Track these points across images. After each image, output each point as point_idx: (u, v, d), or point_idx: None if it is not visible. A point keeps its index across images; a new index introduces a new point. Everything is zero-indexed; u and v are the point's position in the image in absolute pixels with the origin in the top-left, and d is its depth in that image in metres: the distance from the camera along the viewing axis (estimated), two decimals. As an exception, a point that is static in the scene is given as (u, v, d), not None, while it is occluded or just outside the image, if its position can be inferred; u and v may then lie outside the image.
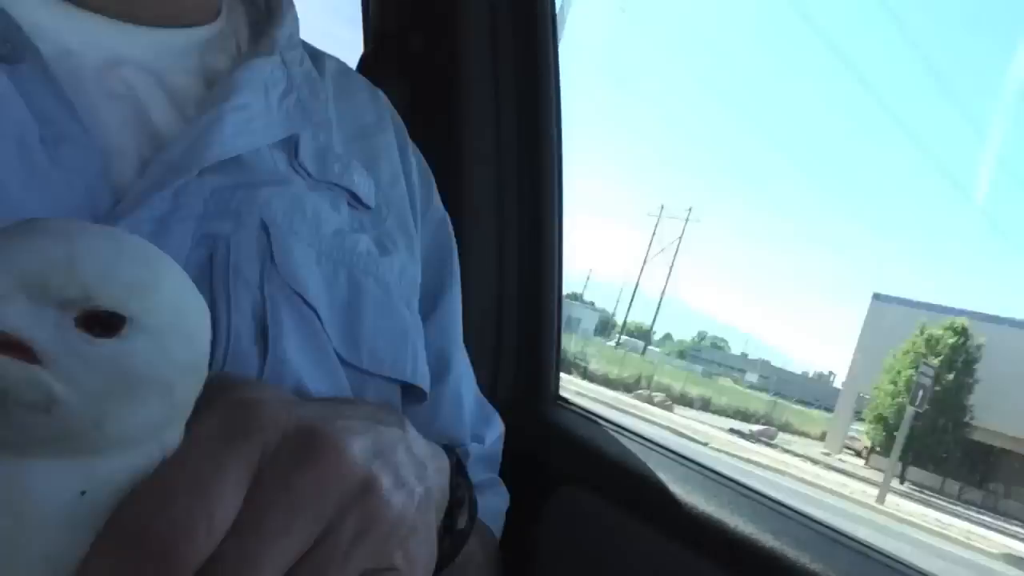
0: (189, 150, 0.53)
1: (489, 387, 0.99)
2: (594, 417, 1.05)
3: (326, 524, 0.35)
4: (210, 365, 0.48)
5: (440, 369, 0.71)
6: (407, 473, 0.41)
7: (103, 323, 0.28)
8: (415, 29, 1.22)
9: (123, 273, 0.29)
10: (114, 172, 0.50)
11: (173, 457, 0.33)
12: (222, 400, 0.36)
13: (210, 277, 0.51)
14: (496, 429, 0.80)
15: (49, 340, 0.27)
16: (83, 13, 0.55)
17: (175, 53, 0.59)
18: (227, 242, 0.53)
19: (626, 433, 0.99)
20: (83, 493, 0.30)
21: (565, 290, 1.21)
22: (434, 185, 0.82)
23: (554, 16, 1.21)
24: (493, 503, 0.74)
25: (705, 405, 36.30)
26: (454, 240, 0.80)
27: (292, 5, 0.70)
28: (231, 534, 0.32)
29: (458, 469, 0.56)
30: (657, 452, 0.92)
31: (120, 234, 0.31)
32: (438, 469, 0.49)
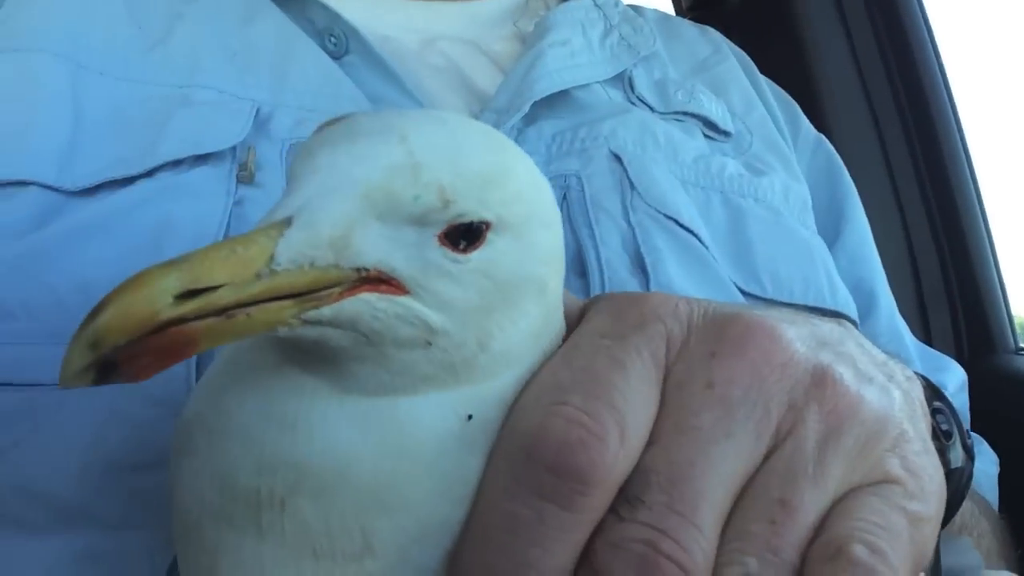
0: (517, 90, 0.50)
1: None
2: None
3: (776, 424, 0.25)
4: None
5: (866, 303, 0.58)
6: (869, 367, 0.28)
7: (468, 234, 0.24)
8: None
9: (473, 162, 0.24)
10: None
11: (555, 359, 0.26)
12: (608, 300, 0.28)
13: (568, 216, 0.47)
14: (956, 376, 0.63)
15: (413, 265, 0.23)
16: (393, 1, 0.55)
17: (488, 22, 0.58)
18: (579, 178, 0.48)
19: None
20: (470, 417, 0.25)
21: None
22: (798, 108, 0.70)
23: None
24: (980, 465, 0.57)
25: None
26: (839, 161, 0.67)
27: None
28: (653, 442, 0.24)
29: (935, 392, 0.40)
30: None
31: (445, 116, 0.26)
32: (908, 378, 0.34)
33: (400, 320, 0.23)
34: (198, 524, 0.25)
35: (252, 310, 0.21)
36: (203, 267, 0.20)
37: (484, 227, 0.24)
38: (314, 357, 0.24)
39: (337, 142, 0.24)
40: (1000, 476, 0.60)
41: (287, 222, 0.22)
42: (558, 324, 0.28)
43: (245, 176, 0.41)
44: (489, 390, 0.26)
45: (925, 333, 0.89)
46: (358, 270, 0.22)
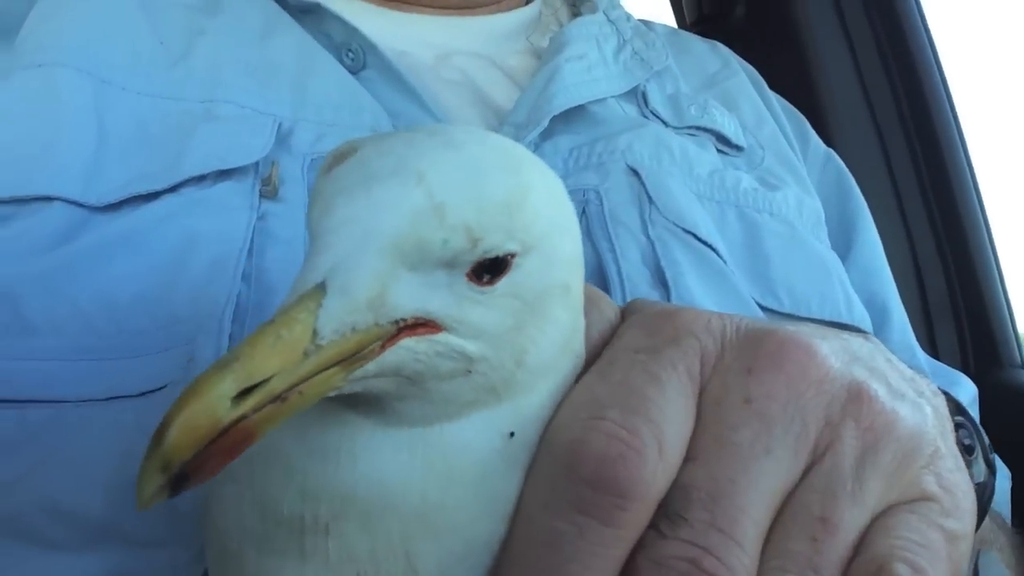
0: (535, 105, 0.50)
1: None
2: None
3: (814, 440, 0.25)
4: None
5: (879, 318, 0.58)
6: (900, 383, 0.28)
7: (493, 267, 0.24)
8: (737, 6, 1.13)
9: (495, 192, 0.24)
10: None
11: (591, 374, 0.26)
12: (638, 314, 0.28)
13: (587, 231, 0.47)
14: (967, 391, 0.63)
15: (447, 304, 0.24)
16: (408, 15, 0.56)
17: (502, 37, 0.59)
18: (597, 193, 0.48)
19: None
20: (512, 435, 0.25)
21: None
22: (806, 122, 0.71)
23: None
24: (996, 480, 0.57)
25: None
26: (849, 175, 0.68)
27: None
28: (691, 458, 0.24)
29: (956, 407, 0.40)
30: None
31: (454, 138, 0.25)
32: (934, 393, 0.34)
33: (440, 357, 0.24)
34: (238, 550, 0.25)
35: (303, 387, 0.21)
36: (254, 362, 0.21)
37: (510, 257, 0.24)
38: (357, 399, 0.24)
39: (352, 190, 0.23)
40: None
41: (322, 288, 0.22)
42: (582, 324, 0.28)
43: (269, 191, 0.41)
44: (528, 404, 0.26)
45: (931, 348, 0.89)
46: (396, 322, 0.23)
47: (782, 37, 1.07)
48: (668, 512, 0.23)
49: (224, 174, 0.41)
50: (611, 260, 0.45)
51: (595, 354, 0.27)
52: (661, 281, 0.45)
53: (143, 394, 0.36)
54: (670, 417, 0.24)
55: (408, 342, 0.23)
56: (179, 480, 0.20)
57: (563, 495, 0.23)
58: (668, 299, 0.44)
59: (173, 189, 0.40)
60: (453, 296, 0.24)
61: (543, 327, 0.26)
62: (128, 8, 0.47)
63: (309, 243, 0.23)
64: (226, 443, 0.20)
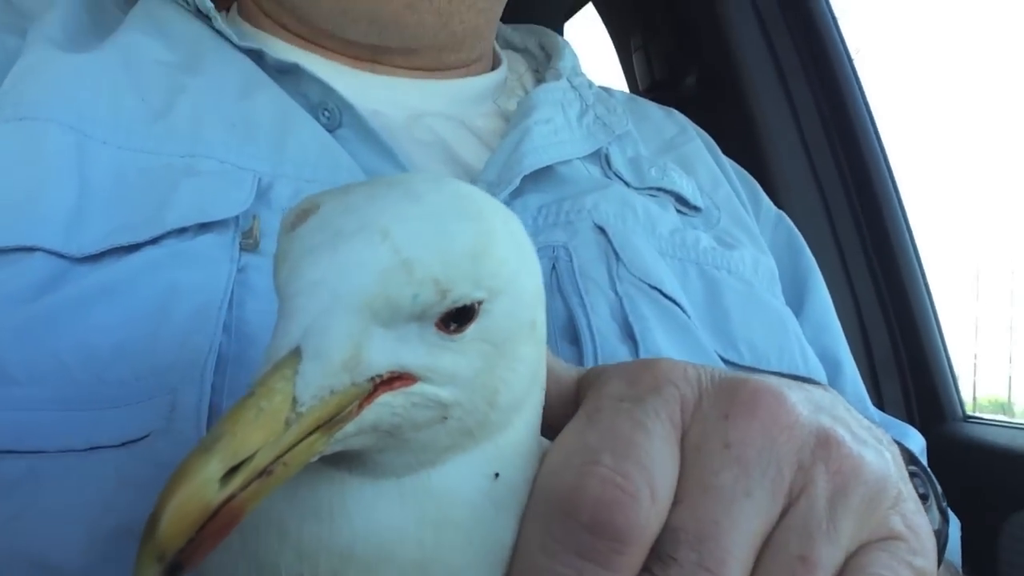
0: (506, 165, 0.52)
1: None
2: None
3: (789, 483, 0.27)
4: None
5: (832, 371, 0.61)
6: (860, 430, 0.30)
7: (460, 315, 0.24)
8: (688, 74, 1.18)
9: (459, 243, 0.24)
10: None
11: (578, 421, 0.27)
12: (616, 367, 0.30)
13: (558, 286, 0.48)
14: (916, 442, 0.65)
15: (419, 356, 0.24)
16: (380, 77, 0.58)
17: (470, 100, 0.61)
18: (566, 249, 0.50)
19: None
20: (496, 475, 0.26)
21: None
22: (758, 185, 0.74)
23: (840, 30, 1.10)
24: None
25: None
26: (799, 235, 0.71)
27: (568, 44, 0.70)
28: (677, 501, 0.25)
29: (909, 457, 0.43)
30: None
31: (413, 188, 0.25)
32: (889, 442, 0.36)
33: (417, 407, 0.24)
34: None
35: (287, 457, 0.22)
36: (237, 440, 0.21)
37: (477, 305, 0.24)
38: (339, 456, 0.24)
39: (318, 250, 0.23)
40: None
41: (296, 354, 0.22)
42: (544, 356, 0.29)
43: (250, 243, 0.42)
44: (507, 442, 0.26)
45: (879, 402, 0.92)
46: (372, 379, 0.23)
47: (730, 104, 1.11)
48: (659, 553, 0.24)
49: (205, 227, 0.42)
50: (582, 315, 0.46)
51: (554, 416, 0.28)
52: (629, 335, 0.46)
53: (124, 444, 0.36)
54: (659, 463, 0.25)
55: (385, 398, 0.23)
56: (173, 568, 0.20)
57: (562, 539, 0.24)
58: (636, 353, 0.45)
59: (154, 241, 0.41)
60: (424, 346, 0.24)
61: (513, 366, 0.26)
62: (110, 66, 0.48)
63: (279, 305, 0.23)
64: (216, 525, 0.21)
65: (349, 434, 0.23)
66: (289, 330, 0.22)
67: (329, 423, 0.22)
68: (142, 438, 0.36)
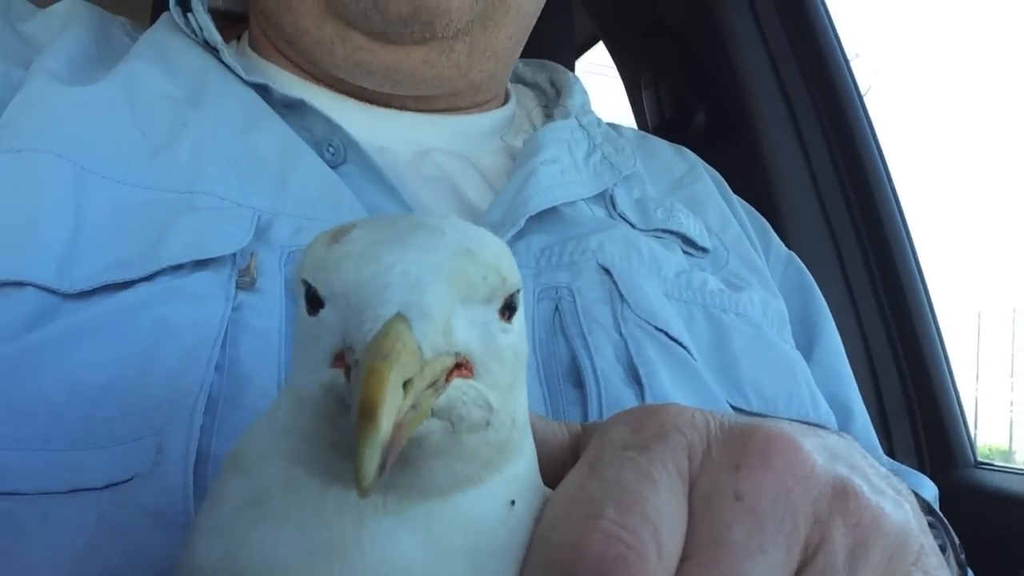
0: (511, 206, 0.51)
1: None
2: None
3: (805, 537, 0.25)
4: (586, 414, 0.43)
5: (842, 417, 0.59)
6: (878, 480, 0.29)
7: (511, 305, 0.25)
8: (697, 112, 1.17)
9: (494, 241, 0.26)
10: None
11: (580, 470, 0.26)
12: (620, 414, 0.29)
13: (562, 327, 0.47)
14: (929, 491, 0.64)
15: (483, 345, 0.24)
16: (388, 112, 0.57)
17: (477, 137, 0.61)
18: (570, 290, 0.49)
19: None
20: (512, 503, 0.25)
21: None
22: (768, 225, 0.73)
23: (850, 69, 1.10)
24: None
25: None
26: (810, 277, 0.70)
27: (578, 80, 0.69)
28: (686, 557, 0.24)
29: (926, 507, 0.41)
30: None
31: (420, 218, 0.27)
32: (907, 492, 0.35)
33: (474, 404, 0.24)
34: None
35: (418, 400, 0.21)
36: (402, 360, 0.20)
37: (517, 292, 0.26)
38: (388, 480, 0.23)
39: (387, 242, 0.24)
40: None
41: (401, 317, 0.21)
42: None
43: (247, 282, 0.41)
44: (522, 472, 0.26)
45: (889, 448, 0.90)
46: (455, 355, 0.23)
47: (740, 143, 1.11)
48: None
49: (201, 264, 0.41)
50: (585, 356, 0.45)
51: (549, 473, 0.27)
52: (635, 378, 0.45)
53: (108, 487, 0.34)
54: (665, 516, 0.24)
55: (458, 382, 0.23)
56: (382, 465, 0.20)
57: None
58: (642, 396, 0.44)
59: (149, 278, 0.40)
60: (487, 338, 0.24)
61: (522, 391, 0.27)
62: (112, 98, 0.47)
63: (350, 299, 0.23)
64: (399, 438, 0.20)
65: (438, 409, 0.23)
66: (383, 299, 0.22)
67: (432, 387, 0.22)
68: (126, 480, 0.35)
